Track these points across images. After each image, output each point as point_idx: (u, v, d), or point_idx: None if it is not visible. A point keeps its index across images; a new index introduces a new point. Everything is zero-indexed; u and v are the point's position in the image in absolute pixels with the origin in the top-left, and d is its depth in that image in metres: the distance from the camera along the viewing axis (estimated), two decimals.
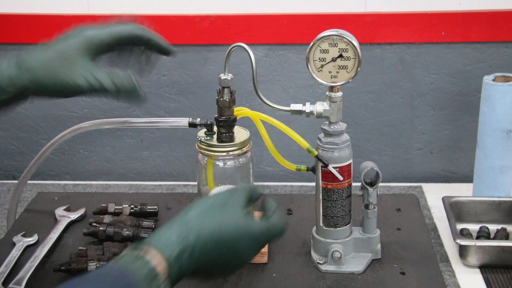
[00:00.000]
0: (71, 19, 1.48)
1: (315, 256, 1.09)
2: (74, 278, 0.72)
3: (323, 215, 1.06)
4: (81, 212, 1.24)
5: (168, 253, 0.77)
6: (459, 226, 1.27)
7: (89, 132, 1.38)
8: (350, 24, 1.44)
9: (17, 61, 0.87)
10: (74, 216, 1.23)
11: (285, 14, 1.47)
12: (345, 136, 1.04)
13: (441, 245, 1.25)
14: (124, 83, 0.90)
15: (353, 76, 1.00)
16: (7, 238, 1.17)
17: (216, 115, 1.05)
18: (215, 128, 1.06)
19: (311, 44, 0.99)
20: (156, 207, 1.23)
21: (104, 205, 1.23)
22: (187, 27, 1.48)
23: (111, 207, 1.22)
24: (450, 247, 1.23)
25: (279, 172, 1.60)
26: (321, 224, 1.07)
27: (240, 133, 1.07)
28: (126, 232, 1.13)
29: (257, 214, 0.89)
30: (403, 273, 1.06)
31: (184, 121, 1.11)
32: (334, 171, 1.03)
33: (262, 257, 1.09)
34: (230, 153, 1.05)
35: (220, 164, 1.07)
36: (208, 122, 1.07)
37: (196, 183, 1.12)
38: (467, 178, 1.50)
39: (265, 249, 1.09)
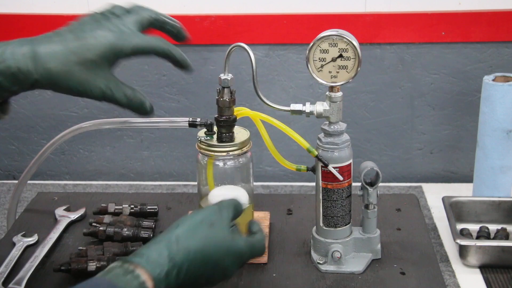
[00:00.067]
0: (71, 19, 1.47)
1: (315, 256, 1.09)
2: None
3: (323, 215, 1.06)
4: (81, 212, 1.24)
5: (157, 273, 0.80)
6: (459, 226, 1.27)
7: (89, 132, 1.38)
8: (350, 24, 1.44)
9: (33, 54, 0.84)
10: (74, 216, 1.23)
11: (285, 14, 1.47)
12: (345, 136, 1.04)
13: (441, 245, 1.25)
14: (135, 97, 0.89)
15: (353, 76, 1.00)
16: (7, 238, 1.17)
17: (216, 115, 1.05)
18: (215, 128, 1.06)
19: (311, 44, 0.99)
20: (156, 207, 1.23)
21: (104, 205, 1.23)
22: (187, 27, 1.47)
23: (111, 207, 1.22)
24: (450, 247, 1.23)
25: (279, 172, 1.60)
26: (321, 224, 1.07)
27: (240, 133, 1.07)
28: (126, 232, 1.13)
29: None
30: (403, 273, 1.06)
31: (184, 121, 1.10)
32: (334, 171, 1.03)
33: (262, 257, 1.09)
34: (230, 153, 1.05)
35: (220, 164, 1.07)
36: (208, 122, 1.07)
37: (196, 183, 1.12)
38: (467, 178, 1.50)
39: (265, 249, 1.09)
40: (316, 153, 1.03)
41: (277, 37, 1.49)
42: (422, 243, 1.14)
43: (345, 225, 1.07)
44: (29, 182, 1.29)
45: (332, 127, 1.03)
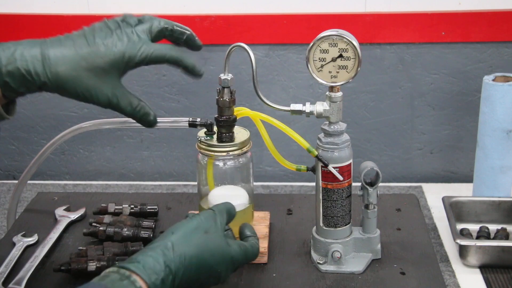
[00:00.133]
0: (71, 19, 1.49)
1: (315, 256, 1.09)
2: None
3: (323, 215, 1.06)
4: (81, 212, 1.24)
5: (153, 280, 0.80)
6: (459, 226, 1.27)
7: (89, 132, 1.38)
8: (350, 24, 1.44)
9: (43, 57, 0.84)
10: (74, 216, 1.23)
11: (285, 14, 1.47)
12: (345, 136, 1.04)
13: (441, 245, 1.25)
14: (140, 107, 0.89)
15: (353, 76, 1.00)
16: (7, 238, 1.17)
17: (216, 115, 1.05)
18: (215, 128, 1.06)
19: (311, 44, 0.99)
20: (156, 207, 1.23)
21: (104, 205, 1.23)
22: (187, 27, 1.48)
23: (111, 207, 1.22)
24: (450, 247, 1.23)
25: (279, 172, 1.60)
26: (321, 224, 1.07)
27: (240, 133, 1.07)
28: (126, 232, 1.13)
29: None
30: (403, 273, 1.06)
31: (184, 121, 1.10)
32: (334, 171, 1.03)
33: (262, 257, 1.09)
34: (230, 153, 1.05)
35: (220, 164, 1.07)
36: (208, 122, 1.07)
37: (196, 183, 1.12)
38: (467, 178, 1.50)
39: (265, 249, 1.09)
40: (316, 153, 1.03)
41: (277, 37, 1.49)
42: (422, 243, 1.14)
43: (345, 225, 1.07)
44: (29, 182, 1.29)
45: (332, 127, 1.03)
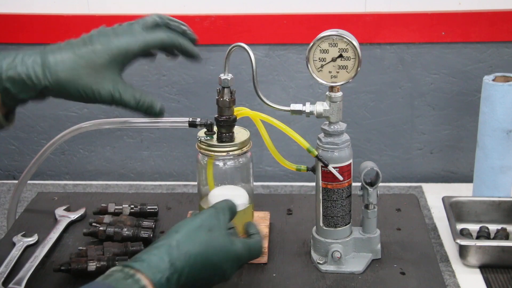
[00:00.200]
0: (71, 19, 1.49)
1: (315, 256, 1.09)
2: None
3: (323, 215, 1.06)
4: (81, 212, 1.24)
5: (158, 278, 0.80)
6: (459, 226, 1.27)
7: (89, 132, 1.38)
8: (350, 24, 1.44)
9: (43, 62, 0.85)
10: (74, 216, 1.23)
11: (285, 14, 1.47)
12: (345, 136, 1.04)
13: (441, 245, 1.25)
14: (144, 99, 0.90)
15: (353, 76, 1.00)
16: (7, 238, 1.17)
17: (216, 115, 1.05)
18: (215, 128, 1.06)
19: (311, 44, 0.99)
20: (156, 207, 1.23)
21: (104, 205, 1.23)
22: None
23: (111, 207, 1.22)
24: (450, 247, 1.23)
25: (279, 172, 1.60)
26: (321, 224, 1.07)
27: (240, 133, 1.07)
28: (126, 232, 1.13)
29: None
30: (403, 273, 1.06)
31: (184, 121, 1.10)
32: (334, 171, 1.03)
33: (262, 257, 1.09)
34: (230, 153, 1.05)
35: (220, 164, 1.07)
36: (208, 122, 1.07)
37: (196, 183, 1.12)
38: (467, 178, 1.50)
39: (265, 249, 1.09)
40: (316, 153, 1.03)
41: (277, 37, 1.49)
42: (422, 243, 1.14)
43: (345, 225, 1.07)
44: (29, 182, 1.28)
45: (332, 127, 1.03)
